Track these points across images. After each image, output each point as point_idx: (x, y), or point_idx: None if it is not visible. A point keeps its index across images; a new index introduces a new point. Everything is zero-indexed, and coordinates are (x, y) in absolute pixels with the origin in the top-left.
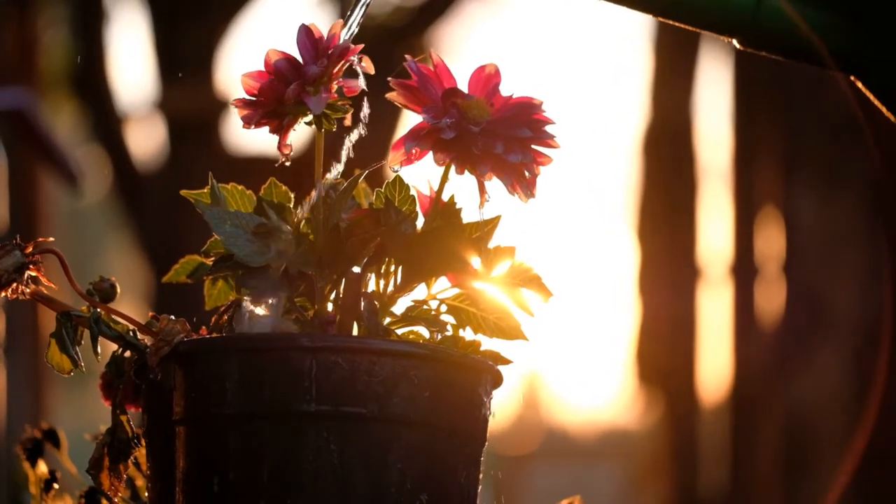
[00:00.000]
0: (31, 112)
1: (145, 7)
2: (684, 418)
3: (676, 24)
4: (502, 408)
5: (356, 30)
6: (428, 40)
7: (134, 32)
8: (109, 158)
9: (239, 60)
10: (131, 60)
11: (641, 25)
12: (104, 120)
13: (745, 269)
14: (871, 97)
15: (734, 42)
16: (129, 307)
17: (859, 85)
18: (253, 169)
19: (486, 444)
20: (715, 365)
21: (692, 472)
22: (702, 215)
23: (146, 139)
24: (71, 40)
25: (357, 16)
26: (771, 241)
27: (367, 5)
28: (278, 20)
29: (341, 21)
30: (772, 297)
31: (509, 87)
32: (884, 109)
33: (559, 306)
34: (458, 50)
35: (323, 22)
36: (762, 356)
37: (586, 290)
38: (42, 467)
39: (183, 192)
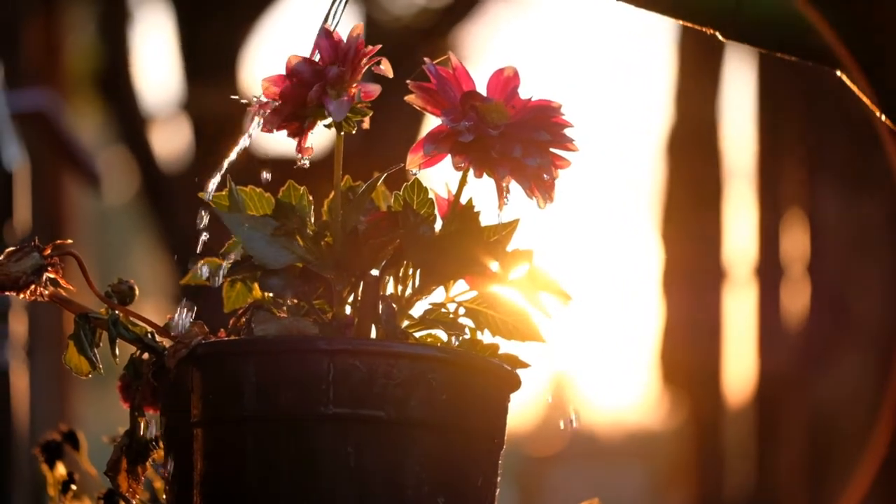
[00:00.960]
0: (53, 113)
1: (170, 7)
2: (709, 420)
3: (658, 14)
4: (528, 409)
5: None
6: (453, 41)
7: (159, 33)
8: (135, 159)
9: (264, 60)
10: (156, 61)
11: (666, 26)
12: (129, 121)
13: (769, 271)
14: (857, 91)
15: (717, 34)
16: (155, 308)
17: (845, 79)
18: (279, 170)
19: (511, 445)
20: (739, 366)
21: (717, 473)
22: (726, 216)
23: (171, 140)
24: (96, 41)
25: (338, 12)
26: (796, 243)
27: (347, 2)
28: (303, 20)
29: (362, 24)
30: (796, 299)
31: (530, 89)
32: (869, 103)
33: (584, 308)
34: (484, 51)
35: (348, 22)
36: (787, 357)
37: (611, 291)
38: (60, 469)
39: (201, 195)
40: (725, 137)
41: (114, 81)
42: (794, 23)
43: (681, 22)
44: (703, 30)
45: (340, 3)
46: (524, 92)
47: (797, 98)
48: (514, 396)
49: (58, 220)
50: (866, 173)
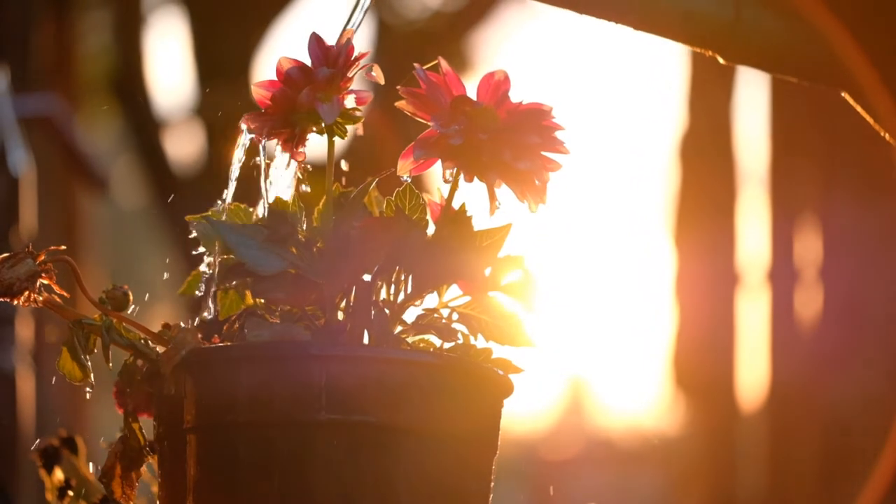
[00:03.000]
0: (61, 118)
1: (184, 12)
2: (723, 424)
3: (658, 36)
4: (545, 413)
5: (357, 29)
6: (466, 45)
7: (172, 37)
8: (148, 164)
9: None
10: (170, 66)
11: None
12: (142, 125)
13: (783, 275)
14: (860, 110)
15: (717, 56)
16: (166, 315)
17: (848, 98)
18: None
19: (527, 449)
20: (753, 371)
21: (731, 477)
22: (740, 220)
23: (184, 144)
24: (109, 45)
25: (358, 18)
26: (809, 248)
27: (367, 8)
28: (318, 24)
29: (352, 29)
30: (810, 304)
31: (525, 93)
32: (872, 122)
33: (599, 313)
34: (497, 55)
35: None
36: (800, 362)
37: (625, 296)
38: (58, 474)
39: (188, 218)
40: (739, 142)
41: (127, 86)
42: (795, 44)
43: (679, 42)
44: (704, 52)
45: (361, 8)
46: (515, 95)
47: (811, 102)
48: (522, 401)
49: (65, 226)
50: (880, 178)
